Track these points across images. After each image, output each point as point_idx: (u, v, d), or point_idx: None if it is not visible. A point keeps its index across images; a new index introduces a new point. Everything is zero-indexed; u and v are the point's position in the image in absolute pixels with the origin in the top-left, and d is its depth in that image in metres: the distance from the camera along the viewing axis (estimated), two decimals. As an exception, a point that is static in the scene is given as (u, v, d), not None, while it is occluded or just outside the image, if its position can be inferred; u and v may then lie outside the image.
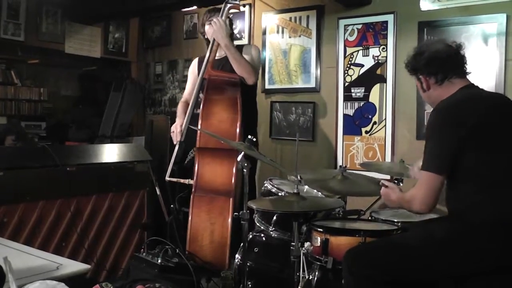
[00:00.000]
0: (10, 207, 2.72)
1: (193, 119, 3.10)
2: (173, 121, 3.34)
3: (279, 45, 4.26)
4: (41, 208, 2.86)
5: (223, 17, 3.07)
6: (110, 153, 3.40)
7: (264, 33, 4.35)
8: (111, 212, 3.20)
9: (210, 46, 3.08)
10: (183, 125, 3.10)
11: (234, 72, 3.05)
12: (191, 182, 2.94)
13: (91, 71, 5.83)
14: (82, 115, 5.50)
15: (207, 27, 3.21)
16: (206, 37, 3.26)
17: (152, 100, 5.47)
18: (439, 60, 1.94)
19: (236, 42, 4.42)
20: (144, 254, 2.64)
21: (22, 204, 2.78)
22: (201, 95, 3.07)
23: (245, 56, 3.09)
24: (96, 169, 3.16)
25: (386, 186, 2.05)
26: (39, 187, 2.86)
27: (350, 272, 1.85)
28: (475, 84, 1.98)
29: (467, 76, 1.97)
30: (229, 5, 3.07)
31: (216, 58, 3.17)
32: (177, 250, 2.60)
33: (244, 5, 4.40)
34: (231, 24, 3.22)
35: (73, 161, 3.04)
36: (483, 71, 3.22)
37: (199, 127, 2.89)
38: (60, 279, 1.45)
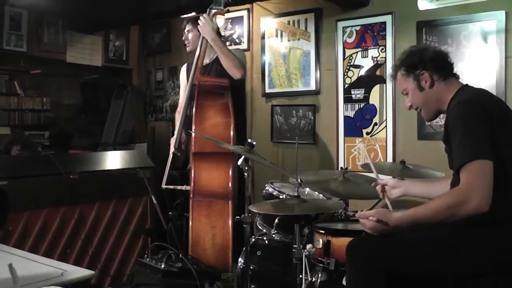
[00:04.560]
0: (15, 215, 2.75)
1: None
2: (174, 127, 3.37)
3: (278, 49, 4.28)
4: (45, 216, 2.89)
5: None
6: (113, 160, 3.43)
7: (263, 37, 4.37)
8: (114, 218, 3.22)
9: (198, 49, 3.10)
10: (175, 133, 3.13)
11: (221, 76, 3.09)
12: (188, 188, 2.96)
13: (92, 79, 5.85)
14: (85, 123, 5.53)
15: (189, 34, 3.27)
16: (187, 44, 3.32)
17: (153, 107, 5.50)
18: (444, 56, 1.95)
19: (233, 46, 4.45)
20: (147, 259, 2.66)
21: (27, 212, 2.81)
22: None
23: None
24: (99, 176, 3.19)
25: (367, 217, 1.75)
26: (43, 195, 2.89)
27: (353, 265, 1.82)
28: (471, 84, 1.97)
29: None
30: (213, 11, 3.09)
31: (203, 64, 3.20)
32: (180, 254, 2.61)
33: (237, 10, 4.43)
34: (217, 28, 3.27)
35: (76, 169, 3.07)
36: (483, 69, 3.22)
37: (193, 132, 2.92)
38: (64, 285, 1.46)
